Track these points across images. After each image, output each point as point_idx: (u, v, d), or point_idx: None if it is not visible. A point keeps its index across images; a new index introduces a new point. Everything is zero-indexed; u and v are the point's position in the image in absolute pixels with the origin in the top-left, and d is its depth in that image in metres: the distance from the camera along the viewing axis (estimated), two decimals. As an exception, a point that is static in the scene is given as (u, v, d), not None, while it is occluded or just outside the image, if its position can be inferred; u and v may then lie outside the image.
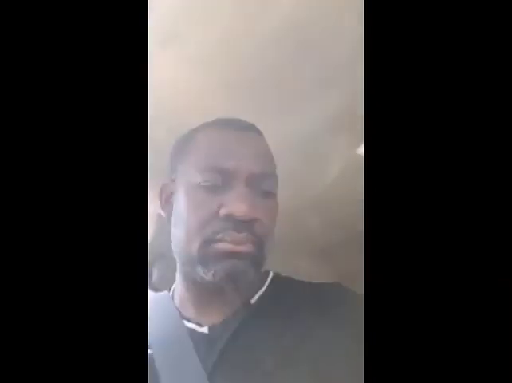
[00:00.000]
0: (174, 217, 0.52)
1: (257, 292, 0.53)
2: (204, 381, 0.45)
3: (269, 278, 0.55)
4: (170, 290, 0.57)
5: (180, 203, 0.51)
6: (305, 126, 0.74)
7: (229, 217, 0.47)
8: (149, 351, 0.49)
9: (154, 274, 0.88)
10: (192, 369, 0.46)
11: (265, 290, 0.54)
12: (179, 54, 0.64)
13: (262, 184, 0.50)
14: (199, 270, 0.48)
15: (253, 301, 0.52)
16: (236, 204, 0.47)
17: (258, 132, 0.55)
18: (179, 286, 0.54)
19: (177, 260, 0.52)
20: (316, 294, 0.53)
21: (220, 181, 0.49)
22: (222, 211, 0.48)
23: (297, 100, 0.71)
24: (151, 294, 0.57)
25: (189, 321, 0.52)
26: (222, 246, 0.47)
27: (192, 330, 0.51)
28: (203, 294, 0.51)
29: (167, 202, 0.55)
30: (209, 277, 0.47)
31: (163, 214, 0.55)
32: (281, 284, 0.55)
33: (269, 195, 0.51)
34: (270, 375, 0.45)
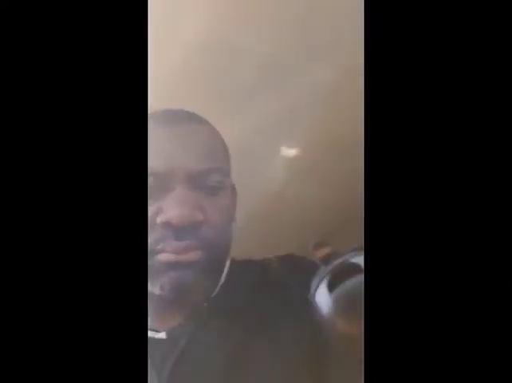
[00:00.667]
0: None
1: (215, 286, 0.49)
2: None
3: (226, 269, 0.51)
4: None
5: None
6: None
7: (167, 224, 0.43)
8: None
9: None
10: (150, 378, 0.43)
11: (223, 282, 0.50)
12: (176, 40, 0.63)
13: (207, 180, 0.46)
14: (149, 286, 0.44)
15: (213, 295, 0.49)
16: (173, 209, 0.43)
17: (202, 122, 0.50)
18: None
19: None
20: (268, 271, 0.50)
21: (156, 185, 0.44)
22: (160, 219, 0.43)
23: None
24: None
25: (150, 330, 0.48)
26: (164, 257, 0.43)
27: (150, 338, 0.47)
28: (160, 304, 0.47)
29: None
30: (157, 291, 0.44)
31: None
32: (239, 269, 0.52)
33: (218, 190, 0.47)
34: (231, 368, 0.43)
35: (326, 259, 0.31)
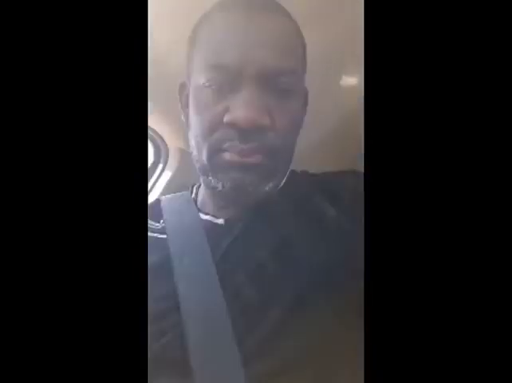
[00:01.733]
0: (188, 122, 0.49)
1: (275, 188, 0.50)
2: (212, 269, 0.44)
3: (287, 175, 0.52)
4: (192, 189, 0.57)
5: (190, 107, 0.47)
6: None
7: (234, 125, 0.42)
8: (164, 236, 0.49)
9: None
10: (202, 256, 0.45)
11: (283, 186, 0.51)
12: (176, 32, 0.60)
13: (279, 82, 0.43)
14: (211, 179, 0.46)
15: (271, 196, 0.49)
16: (240, 110, 0.41)
17: (282, 13, 0.45)
18: (201, 186, 0.54)
19: (196, 166, 0.50)
20: (329, 181, 0.50)
21: (225, 81, 0.42)
22: (226, 118, 0.42)
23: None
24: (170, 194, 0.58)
25: (206, 214, 0.51)
26: (228, 157, 0.44)
27: (208, 221, 0.50)
28: (221, 196, 0.49)
29: (184, 104, 0.51)
30: (219, 187, 0.45)
31: (183, 118, 0.52)
32: (297, 178, 0.52)
33: (289, 94, 0.44)
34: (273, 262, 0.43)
35: None
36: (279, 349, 0.40)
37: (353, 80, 0.79)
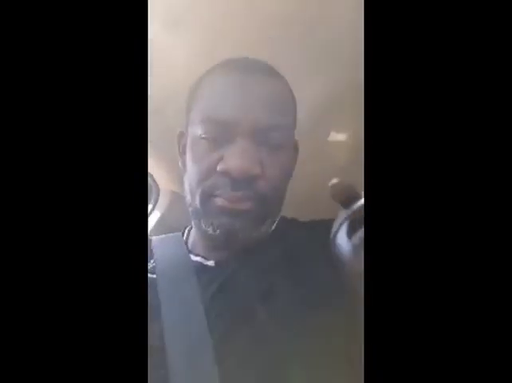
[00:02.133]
0: (184, 169, 0.52)
1: (264, 235, 0.51)
2: (200, 310, 0.45)
3: (276, 221, 0.54)
4: (184, 231, 0.59)
5: (187, 154, 0.50)
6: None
7: (226, 173, 0.45)
8: (154, 276, 0.50)
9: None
10: (191, 297, 0.47)
11: (272, 231, 0.53)
12: (179, 40, 0.64)
13: (271, 136, 0.46)
14: (202, 223, 0.48)
15: (261, 239, 0.50)
16: (234, 160, 0.44)
17: (275, 75, 0.49)
18: (192, 229, 0.56)
19: (188, 209, 0.52)
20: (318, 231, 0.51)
21: (221, 134, 0.46)
22: (220, 167, 0.45)
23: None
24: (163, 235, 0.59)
25: (197, 255, 0.52)
26: (220, 202, 0.46)
27: (199, 263, 0.51)
28: (212, 239, 0.50)
29: (182, 151, 0.54)
30: (210, 230, 0.47)
31: (180, 165, 0.55)
32: (287, 225, 0.54)
33: (280, 147, 0.47)
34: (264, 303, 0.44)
35: (346, 202, 0.31)
36: None
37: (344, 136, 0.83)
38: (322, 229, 0.51)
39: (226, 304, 0.46)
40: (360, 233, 0.30)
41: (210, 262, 0.51)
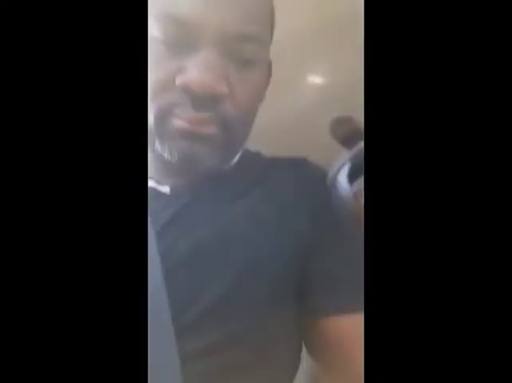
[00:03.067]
0: None
1: (226, 164, 0.48)
2: (151, 237, 0.40)
3: (239, 153, 0.50)
4: None
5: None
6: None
7: (187, 88, 0.38)
8: None
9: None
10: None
11: (234, 164, 0.49)
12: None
13: (242, 49, 0.39)
14: (157, 145, 0.42)
15: (222, 169, 0.47)
16: (196, 72, 0.37)
17: None
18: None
19: None
20: (280, 168, 0.49)
21: (182, 38, 0.38)
22: (179, 80, 0.38)
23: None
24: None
25: (151, 179, 0.46)
26: (178, 123, 0.39)
27: (153, 189, 0.46)
28: (166, 165, 0.44)
29: None
30: (166, 155, 0.41)
31: None
32: (250, 157, 0.51)
33: (251, 63, 0.40)
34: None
35: (348, 139, 0.28)
36: (215, 327, 0.39)
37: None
38: (287, 167, 0.49)
39: (179, 236, 0.42)
40: (362, 178, 0.28)
41: (165, 188, 0.46)
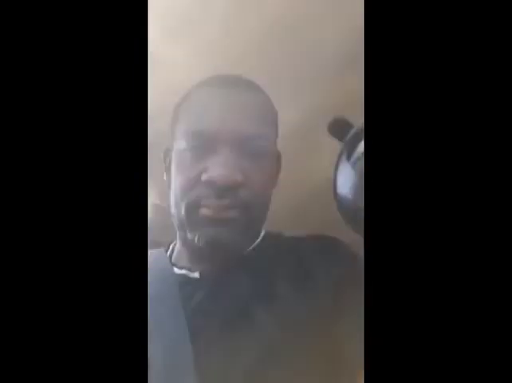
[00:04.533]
0: (170, 182, 0.53)
1: (250, 246, 0.53)
2: (182, 321, 0.46)
3: (262, 235, 0.55)
4: (167, 248, 0.59)
5: (172, 168, 0.52)
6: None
7: (211, 183, 0.47)
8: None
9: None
10: (174, 310, 0.47)
11: (257, 245, 0.54)
12: (178, 51, 0.67)
13: (251, 146, 0.49)
14: (188, 234, 0.49)
15: (245, 253, 0.52)
16: (217, 169, 0.46)
17: (255, 89, 0.52)
18: (177, 242, 0.57)
19: (173, 222, 0.53)
20: (304, 248, 0.53)
21: (204, 145, 0.48)
22: (204, 177, 0.47)
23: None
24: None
25: (181, 268, 0.53)
26: (205, 212, 0.48)
27: (183, 275, 0.52)
28: (197, 251, 0.52)
29: (167, 167, 0.55)
30: (195, 240, 0.48)
31: (165, 179, 0.56)
32: (273, 239, 0.56)
33: (262, 155, 0.49)
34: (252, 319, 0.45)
35: (341, 134, 0.31)
36: None
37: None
38: (307, 246, 0.53)
39: (210, 315, 0.47)
40: (361, 162, 0.29)
41: (195, 274, 0.52)
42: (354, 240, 0.42)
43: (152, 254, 0.57)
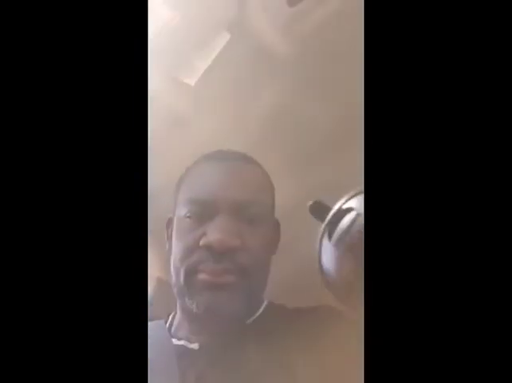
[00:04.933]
0: (170, 251, 0.54)
1: (251, 316, 0.53)
2: None
3: (264, 305, 0.55)
4: (167, 319, 0.59)
5: (173, 235, 0.54)
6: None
7: (208, 247, 0.48)
8: None
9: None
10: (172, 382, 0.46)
11: (259, 316, 0.53)
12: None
13: (248, 212, 0.50)
14: (187, 301, 0.50)
15: (248, 322, 0.52)
16: (214, 234, 0.48)
17: (250, 162, 0.56)
18: (177, 312, 0.56)
19: (173, 290, 0.53)
20: (307, 319, 0.52)
21: (203, 212, 0.50)
22: (202, 242, 0.49)
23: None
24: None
25: (180, 339, 0.52)
26: (203, 277, 0.48)
27: (182, 347, 0.51)
28: (196, 320, 0.51)
29: (169, 236, 0.56)
30: (194, 308, 0.49)
31: (167, 248, 0.57)
32: (275, 310, 0.55)
33: (257, 221, 0.51)
34: None
35: (321, 216, 0.32)
36: None
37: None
38: (309, 318, 0.52)
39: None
40: (340, 235, 0.30)
41: (194, 345, 0.51)
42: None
43: (150, 325, 0.56)
